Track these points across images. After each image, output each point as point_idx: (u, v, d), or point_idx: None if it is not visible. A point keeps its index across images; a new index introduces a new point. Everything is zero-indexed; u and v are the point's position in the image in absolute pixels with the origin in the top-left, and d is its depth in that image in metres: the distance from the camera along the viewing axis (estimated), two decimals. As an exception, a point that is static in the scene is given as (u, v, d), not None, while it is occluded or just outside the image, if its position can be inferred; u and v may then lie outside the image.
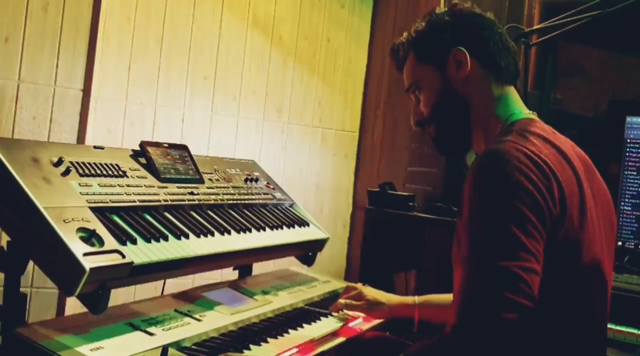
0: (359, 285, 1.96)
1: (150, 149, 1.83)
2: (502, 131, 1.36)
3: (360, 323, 1.86)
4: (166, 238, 1.59)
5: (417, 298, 1.84)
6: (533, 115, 1.43)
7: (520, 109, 1.42)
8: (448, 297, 1.71)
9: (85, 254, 1.32)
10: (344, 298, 1.88)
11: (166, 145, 1.92)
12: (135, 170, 1.75)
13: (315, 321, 1.79)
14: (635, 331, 1.99)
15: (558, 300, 1.26)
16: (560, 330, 1.27)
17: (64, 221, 1.36)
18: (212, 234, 1.75)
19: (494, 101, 1.42)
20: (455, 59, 1.42)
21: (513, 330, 1.13)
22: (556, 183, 1.21)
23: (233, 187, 2.05)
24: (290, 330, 1.67)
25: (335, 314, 1.86)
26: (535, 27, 2.69)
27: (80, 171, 1.57)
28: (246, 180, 2.15)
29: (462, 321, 1.16)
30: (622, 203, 2.38)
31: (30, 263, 1.46)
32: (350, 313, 1.88)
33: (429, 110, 1.47)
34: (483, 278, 1.16)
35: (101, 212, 1.50)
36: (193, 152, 1.99)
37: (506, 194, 1.18)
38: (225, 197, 1.97)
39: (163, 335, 1.46)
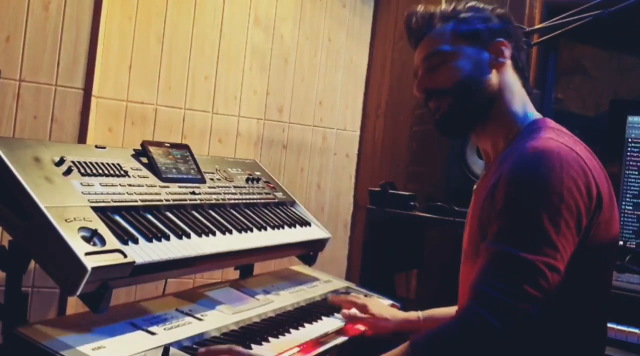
0: (366, 296, 1.96)
1: (151, 149, 1.83)
2: (529, 129, 1.38)
3: None
4: (168, 238, 1.59)
5: (421, 314, 1.83)
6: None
7: (533, 112, 1.45)
8: (452, 310, 1.70)
9: (87, 254, 1.32)
10: (349, 308, 1.87)
11: (168, 144, 1.92)
12: (137, 169, 1.75)
13: (316, 321, 1.79)
14: (636, 330, 1.99)
15: (583, 294, 1.29)
16: (572, 324, 1.30)
17: (65, 220, 1.36)
18: (214, 234, 1.75)
19: (515, 100, 1.44)
20: (498, 47, 1.43)
21: (524, 320, 1.14)
22: (594, 181, 1.25)
23: (234, 187, 2.05)
24: (291, 330, 1.67)
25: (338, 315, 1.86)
26: (536, 27, 2.68)
27: (82, 170, 1.56)
28: (247, 179, 2.15)
29: (475, 303, 1.17)
30: (624, 203, 2.38)
31: (32, 263, 1.46)
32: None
33: (452, 84, 1.43)
34: (506, 266, 1.18)
35: (103, 212, 1.50)
36: (194, 151, 1.99)
37: (549, 191, 1.20)
38: (227, 196, 1.97)
39: (164, 335, 1.46)
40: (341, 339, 1.71)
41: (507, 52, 1.43)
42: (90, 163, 1.61)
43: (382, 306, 1.90)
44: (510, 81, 1.44)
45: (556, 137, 1.29)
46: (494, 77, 1.42)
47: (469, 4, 1.48)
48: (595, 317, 1.37)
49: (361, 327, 1.82)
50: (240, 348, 1.40)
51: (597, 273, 1.33)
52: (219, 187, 1.98)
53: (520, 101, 1.45)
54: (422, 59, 1.48)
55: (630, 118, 2.41)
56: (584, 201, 1.22)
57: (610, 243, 1.34)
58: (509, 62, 1.44)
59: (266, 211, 2.09)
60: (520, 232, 1.19)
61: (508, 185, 1.24)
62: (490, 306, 1.14)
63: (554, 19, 2.35)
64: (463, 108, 1.43)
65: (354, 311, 1.85)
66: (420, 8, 1.51)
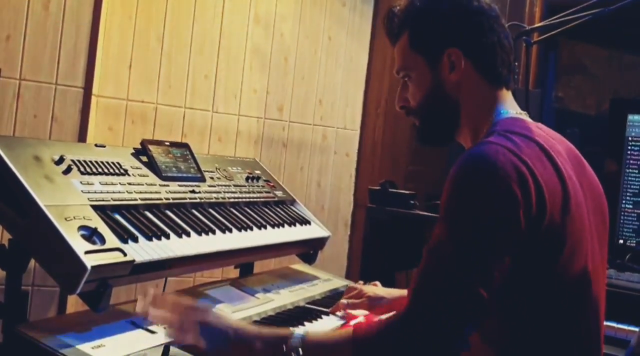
0: (360, 284, 1.96)
1: (151, 147, 1.83)
2: (487, 132, 1.33)
3: (362, 321, 1.85)
4: (167, 236, 1.59)
5: None
6: (521, 115, 1.39)
7: (508, 109, 1.38)
8: None
9: (87, 252, 1.32)
10: (345, 298, 1.88)
11: (167, 143, 1.92)
12: (137, 168, 1.75)
13: (316, 320, 1.79)
14: (636, 329, 1.99)
15: (544, 294, 1.25)
16: (548, 331, 1.26)
17: (65, 219, 1.36)
18: (214, 232, 1.75)
19: (485, 104, 1.39)
20: (449, 60, 1.37)
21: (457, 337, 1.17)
22: (534, 185, 1.19)
23: (234, 185, 2.05)
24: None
25: (338, 314, 1.86)
26: (536, 25, 2.69)
27: (82, 169, 1.57)
28: (247, 178, 2.15)
29: (415, 315, 1.18)
30: (624, 202, 2.38)
31: (32, 261, 1.46)
32: (354, 312, 1.88)
33: (416, 105, 1.44)
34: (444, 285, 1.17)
35: (102, 210, 1.50)
36: (194, 150, 1.99)
37: (481, 206, 1.17)
38: (227, 195, 1.97)
39: (164, 333, 1.46)
40: (341, 338, 1.71)
41: (460, 60, 1.36)
42: (90, 162, 1.61)
43: (376, 288, 1.91)
44: (471, 86, 1.38)
45: (499, 141, 1.23)
46: (454, 89, 1.38)
47: (423, 3, 1.40)
48: (580, 322, 1.29)
49: (361, 319, 1.82)
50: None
51: (558, 307, 1.25)
52: (218, 185, 1.98)
53: (489, 103, 1.38)
54: (395, 73, 1.48)
55: (630, 117, 2.42)
56: (521, 208, 1.17)
57: (577, 272, 1.26)
58: (467, 67, 1.36)
59: (266, 210, 2.09)
60: (456, 248, 1.17)
61: (446, 192, 1.22)
62: (429, 322, 1.16)
63: (554, 18, 2.35)
64: (432, 125, 1.45)
65: (351, 300, 1.85)
66: (396, 6, 1.45)
